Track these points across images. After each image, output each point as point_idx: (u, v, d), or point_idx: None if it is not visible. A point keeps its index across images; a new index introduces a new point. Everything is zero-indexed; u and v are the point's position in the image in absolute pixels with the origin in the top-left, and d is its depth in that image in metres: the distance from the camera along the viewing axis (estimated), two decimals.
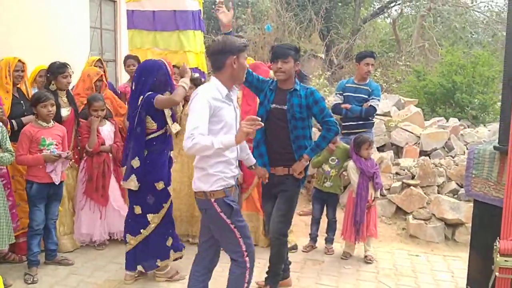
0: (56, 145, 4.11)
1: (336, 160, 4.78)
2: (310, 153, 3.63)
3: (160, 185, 3.87)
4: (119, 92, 5.68)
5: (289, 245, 4.70)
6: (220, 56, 2.91)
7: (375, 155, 5.94)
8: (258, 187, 4.70)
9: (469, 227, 4.72)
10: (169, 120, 3.87)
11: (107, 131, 4.76)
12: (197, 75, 4.93)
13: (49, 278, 4.08)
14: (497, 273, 2.24)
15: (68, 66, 4.57)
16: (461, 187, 5.52)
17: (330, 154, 4.75)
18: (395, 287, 4.12)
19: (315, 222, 4.94)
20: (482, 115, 9.60)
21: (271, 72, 4.19)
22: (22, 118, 4.29)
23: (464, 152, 6.56)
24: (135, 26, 5.84)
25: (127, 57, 5.65)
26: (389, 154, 6.46)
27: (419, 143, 6.88)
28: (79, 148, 4.70)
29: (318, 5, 14.84)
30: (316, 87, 8.41)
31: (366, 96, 5.26)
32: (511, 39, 2.33)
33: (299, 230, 5.32)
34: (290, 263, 4.01)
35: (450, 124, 7.84)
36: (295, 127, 3.59)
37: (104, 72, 5.19)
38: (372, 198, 4.65)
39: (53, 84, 4.51)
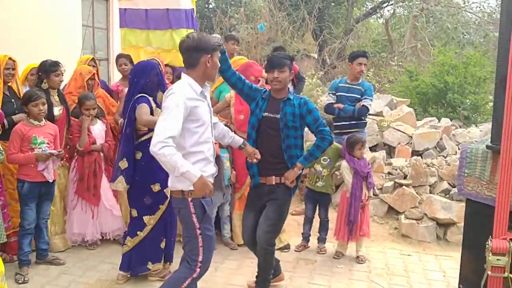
0: (48, 143, 4.08)
1: (328, 160, 4.78)
2: (303, 161, 3.61)
3: (156, 187, 3.86)
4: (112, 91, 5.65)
5: (281, 245, 4.74)
6: (194, 54, 2.88)
7: (368, 155, 5.95)
8: None
9: (461, 227, 4.76)
10: None
11: (98, 130, 4.73)
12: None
13: (40, 278, 4.05)
14: (489, 272, 2.25)
15: (60, 65, 4.54)
16: (453, 187, 5.55)
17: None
18: (387, 287, 4.13)
19: (308, 222, 4.94)
20: (473, 115, 9.66)
21: (264, 72, 4.19)
22: (13, 117, 4.25)
23: (456, 152, 6.60)
24: (128, 25, 5.81)
25: (119, 56, 5.62)
26: (381, 154, 6.49)
27: (411, 143, 6.92)
28: (69, 147, 4.67)
29: (311, 5, 14.86)
30: (309, 87, 8.46)
31: (359, 96, 5.28)
32: (503, 39, 2.34)
33: (291, 230, 5.31)
34: (278, 261, 3.97)
35: (442, 124, 7.89)
36: (287, 136, 3.56)
37: (96, 71, 5.16)
38: (366, 198, 4.66)
39: (45, 83, 4.47)
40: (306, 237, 4.94)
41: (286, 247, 4.81)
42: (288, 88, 3.70)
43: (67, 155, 4.62)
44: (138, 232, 3.91)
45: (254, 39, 12.62)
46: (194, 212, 2.88)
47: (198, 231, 2.89)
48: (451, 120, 8.76)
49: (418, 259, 4.78)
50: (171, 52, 5.50)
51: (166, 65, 5.28)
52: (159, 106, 3.84)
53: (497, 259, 2.22)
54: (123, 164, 3.79)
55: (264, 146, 3.60)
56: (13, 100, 4.37)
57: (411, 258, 4.79)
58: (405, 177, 5.87)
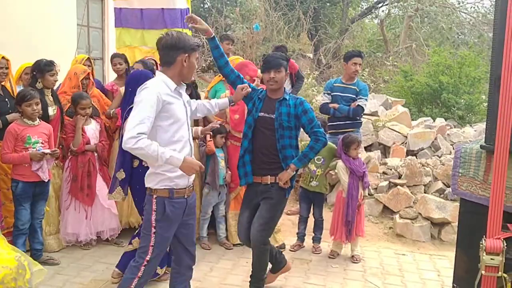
0: (42, 143, 4.06)
1: (322, 159, 4.79)
2: (297, 163, 3.60)
3: None
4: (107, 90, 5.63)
5: (276, 244, 4.73)
6: (171, 52, 2.83)
7: (363, 155, 5.96)
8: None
9: (455, 226, 4.78)
10: None
11: (92, 130, 4.70)
12: None
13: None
14: (483, 271, 2.26)
15: (55, 64, 4.52)
16: (448, 186, 5.57)
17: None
18: (382, 286, 4.14)
19: (303, 221, 4.95)
20: (468, 115, 9.69)
21: (259, 71, 4.19)
22: (7, 116, 4.22)
23: (451, 152, 6.62)
24: (123, 24, 5.80)
25: (114, 56, 5.59)
26: (376, 154, 6.50)
27: (406, 143, 6.94)
28: (61, 146, 4.65)
29: (307, 5, 14.90)
30: (304, 87, 8.46)
31: (354, 96, 5.29)
32: (497, 40, 2.35)
33: (286, 230, 5.32)
34: (281, 252, 3.98)
35: (437, 124, 7.91)
36: (282, 136, 3.57)
37: (91, 70, 5.14)
38: (362, 197, 4.67)
39: (39, 82, 4.44)
40: (301, 237, 4.94)
41: (281, 247, 4.80)
42: (284, 88, 3.71)
43: (60, 155, 4.60)
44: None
45: (250, 39, 12.62)
46: (155, 209, 2.84)
47: (153, 229, 2.85)
48: (445, 120, 8.80)
49: (413, 258, 4.79)
50: None
51: None
52: None
53: (491, 259, 2.23)
54: (120, 175, 3.77)
55: (260, 145, 3.61)
56: (6, 99, 4.35)
57: (406, 258, 4.80)
58: (400, 177, 5.89)
